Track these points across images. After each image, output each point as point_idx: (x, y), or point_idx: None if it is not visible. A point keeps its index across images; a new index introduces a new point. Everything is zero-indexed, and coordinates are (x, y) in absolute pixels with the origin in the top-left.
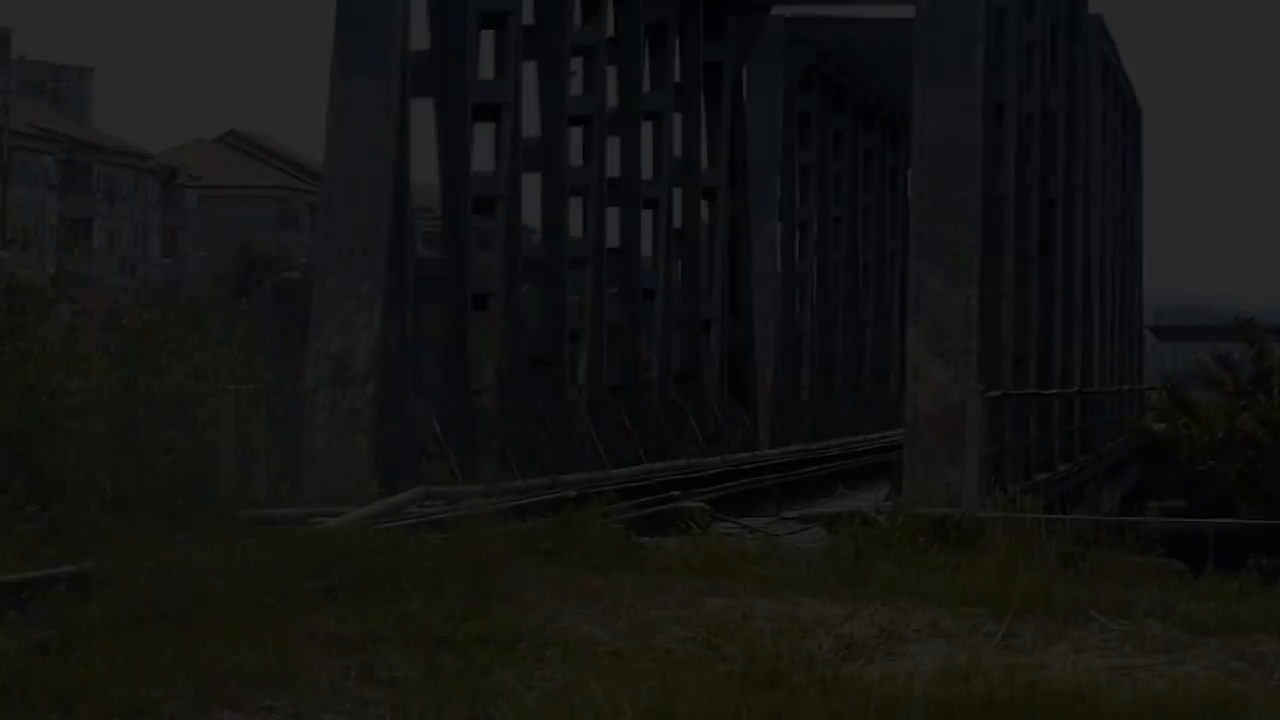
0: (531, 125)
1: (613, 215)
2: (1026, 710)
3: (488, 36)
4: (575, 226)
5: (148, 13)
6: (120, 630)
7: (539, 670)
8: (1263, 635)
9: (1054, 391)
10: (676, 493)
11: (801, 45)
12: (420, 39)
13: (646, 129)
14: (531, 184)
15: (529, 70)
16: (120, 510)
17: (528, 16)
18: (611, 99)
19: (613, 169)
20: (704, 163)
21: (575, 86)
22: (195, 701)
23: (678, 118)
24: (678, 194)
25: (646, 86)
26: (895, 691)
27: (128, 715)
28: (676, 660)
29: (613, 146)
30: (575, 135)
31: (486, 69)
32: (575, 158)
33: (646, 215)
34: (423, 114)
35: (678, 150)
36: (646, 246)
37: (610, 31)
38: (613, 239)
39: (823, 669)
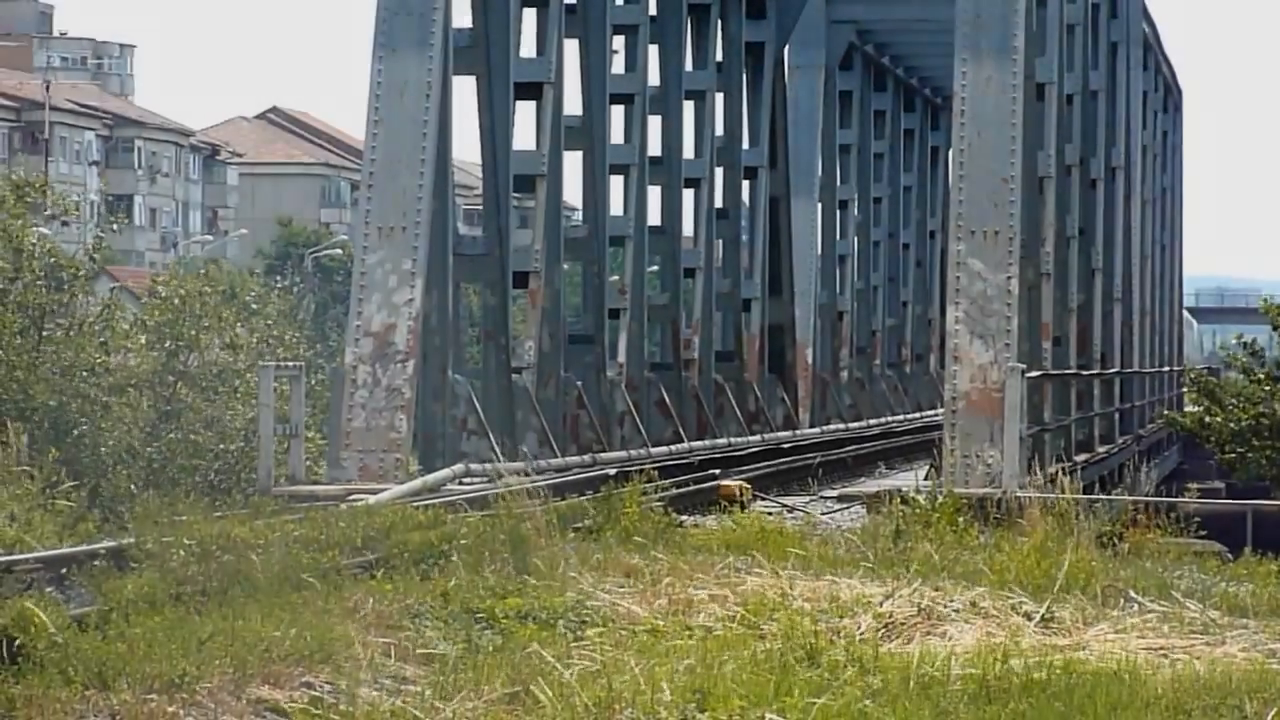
0: (573, 104)
1: (654, 194)
2: (1065, 690)
3: (530, 14)
4: (616, 205)
5: None
6: (159, 606)
7: (578, 648)
8: None
9: (1093, 373)
10: (716, 471)
11: (842, 25)
12: (462, 16)
13: (688, 108)
14: (573, 162)
15: (571, 49)
16: (159, 485)
17: None
18: (653, 78)
19: (654, 148)
20: (745, 142)
21: (617, 65)
22: (234, 677)
23: (719, 97)
24: (719, 173)
25: (688, 66)
26: (934, 670)
27: (166, 690)
28: (715, 638)
29: (654, 125)
30: (617, 114)
31: (528, 47)
32: (616, 136)
33: (688, 194)
34: (464, 92)
35: (719, 130)
36: (687, 226)
37: (652, 10)
38: (654, 218)
39: (861, 648)
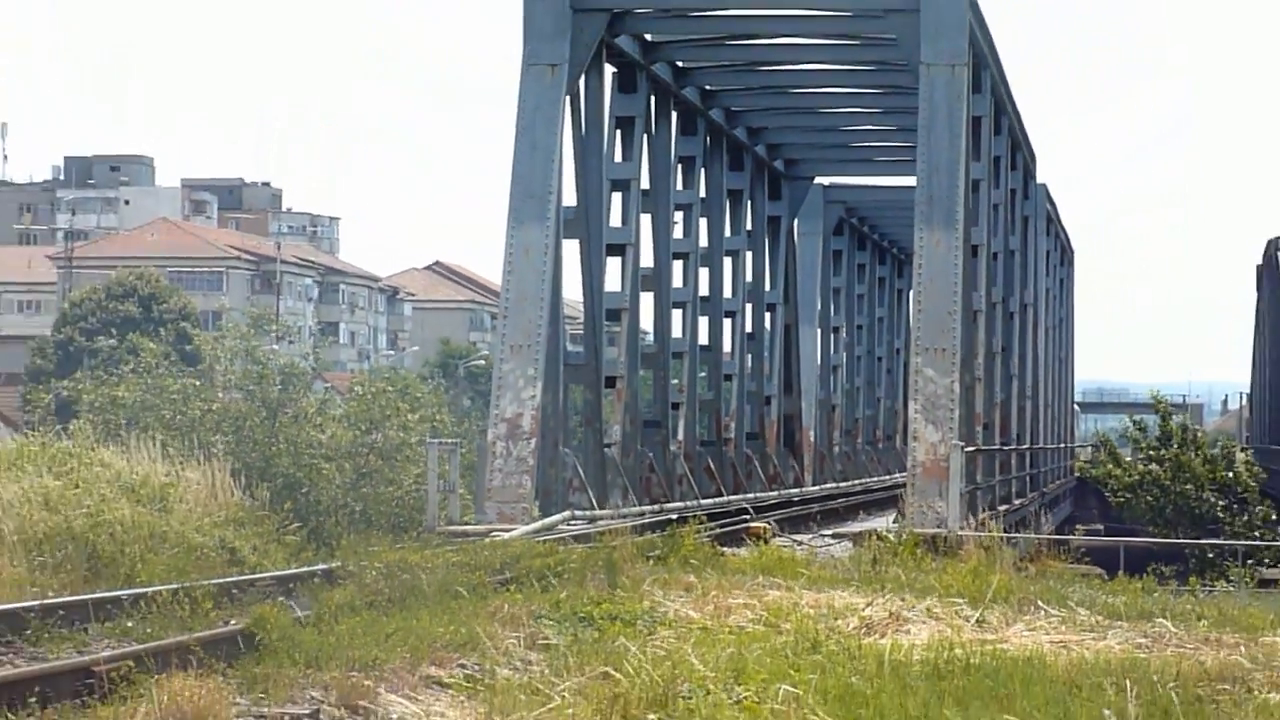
0: (646, 258)
1: (703, 322)
2: (993, 670)
3: (616, 196)
4: (677, 330)
5: (379, 174)
6: (357, 610)
7: (650, 640)
8: (1161, 620)
9: (1011, 448)
10: (747, 516)
11: (835, 203)
12: (569, 197)
13: (727, 262)
14: (647, 300)
15: (645, 220)
16: (358, 526)
17: (644, 182)
18: (702, 240)
19: (703, 289)
20: (767, 285)
21: (677, 231)
22: (410, 660)
23: (749, 254)
24: (748, 308)
25: (727, 232)
26: (900, 657)
27: (362, 669)
28: (747, 633)
29: (704, 274)
30: (677, 266)
31: (615, 218)
32: (677, 281)
33: (727, 323)
34: (571, 250)
35: (749, 276)
36: (727, 345)
37: (702, 193)
38: (703, 339)
39: (849, 640)
